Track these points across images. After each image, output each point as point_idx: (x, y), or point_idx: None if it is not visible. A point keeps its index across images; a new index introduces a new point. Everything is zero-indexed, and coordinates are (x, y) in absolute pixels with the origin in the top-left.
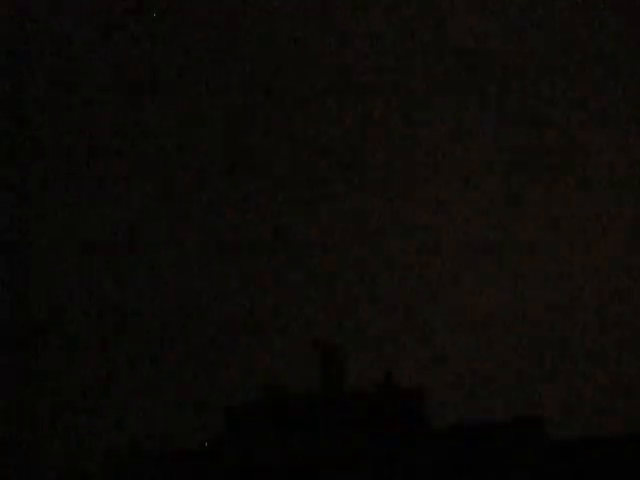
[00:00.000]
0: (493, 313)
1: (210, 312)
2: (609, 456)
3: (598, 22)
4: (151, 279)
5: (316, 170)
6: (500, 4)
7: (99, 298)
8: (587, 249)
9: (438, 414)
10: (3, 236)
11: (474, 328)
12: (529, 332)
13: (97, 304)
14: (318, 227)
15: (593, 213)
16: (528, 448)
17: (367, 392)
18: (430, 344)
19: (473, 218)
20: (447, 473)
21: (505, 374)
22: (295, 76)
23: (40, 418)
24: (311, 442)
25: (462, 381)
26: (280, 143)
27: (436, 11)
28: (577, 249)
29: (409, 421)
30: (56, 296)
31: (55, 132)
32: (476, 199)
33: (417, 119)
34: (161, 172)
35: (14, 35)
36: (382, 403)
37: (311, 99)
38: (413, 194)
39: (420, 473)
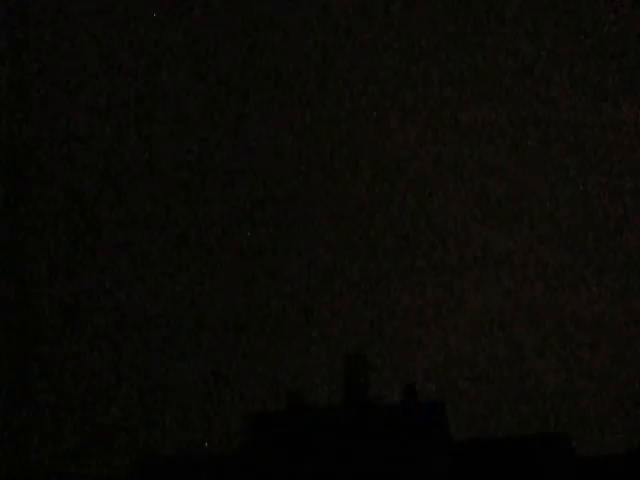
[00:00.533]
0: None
1: (233, 317)
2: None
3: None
4: (166, 281)
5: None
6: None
7: (112, 298)
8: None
9: (461, 426)
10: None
11: (495, 333)
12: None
13: (111, 303)
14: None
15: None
16: (555, 465)
17: (389, 404)
18: (452, 353)
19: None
20: None
21: (534, 387)
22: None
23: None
24: (331, 453)
25: (485, 391)
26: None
27: None
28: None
29: (431, 434)
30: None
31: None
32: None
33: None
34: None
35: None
36: (404, 415)
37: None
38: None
39: None
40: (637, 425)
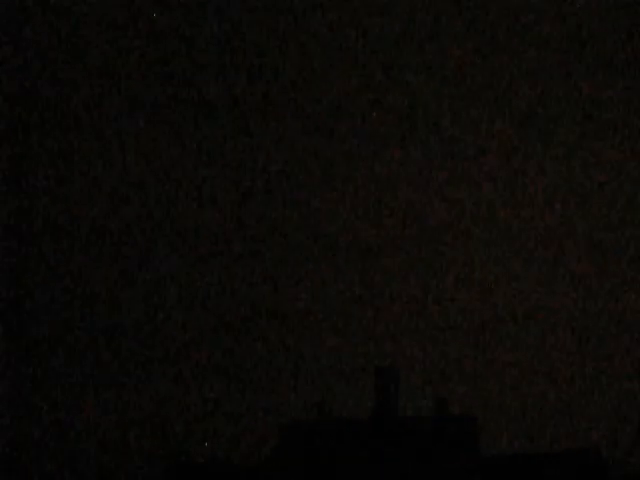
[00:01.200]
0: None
1: (259, 326)
2: None
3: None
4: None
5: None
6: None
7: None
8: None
9: (492, 441)
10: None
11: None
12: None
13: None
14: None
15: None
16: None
17: (420, 418)
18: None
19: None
20: None
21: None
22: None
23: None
24: (362, 466)
25: (515, 407)
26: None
27: None
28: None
29: (462, 449)
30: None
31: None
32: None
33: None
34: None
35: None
36: (435, 430)
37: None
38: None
39: None
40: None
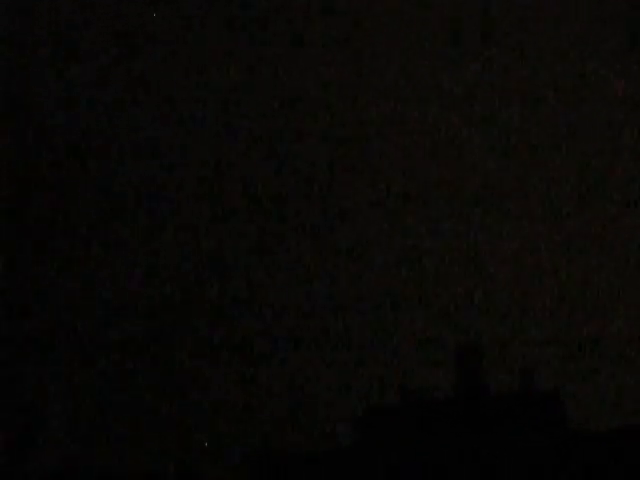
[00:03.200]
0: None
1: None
2: None
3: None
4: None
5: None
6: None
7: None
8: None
9: (582, 418)
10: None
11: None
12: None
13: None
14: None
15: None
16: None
17: (506, 394)
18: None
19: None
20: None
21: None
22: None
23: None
24: (450, 446)
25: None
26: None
27: None
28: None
29: (550, 425)
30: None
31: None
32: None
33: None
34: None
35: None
36: (521, 406)
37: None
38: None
39: None
40: None
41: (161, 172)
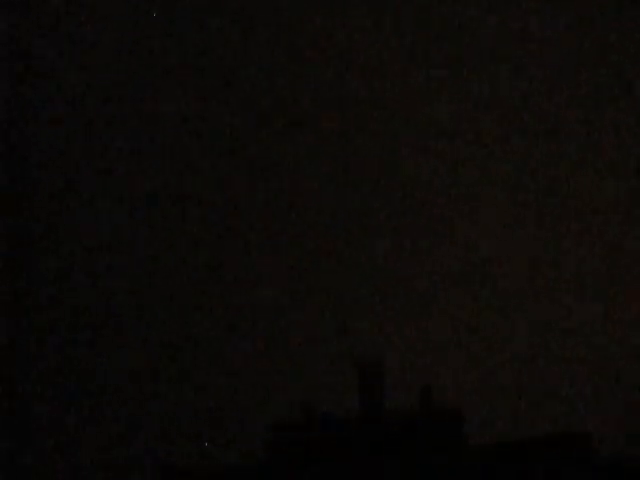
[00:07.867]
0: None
1: (239, 324)
2: None
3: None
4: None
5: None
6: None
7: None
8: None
9: (478, 431)
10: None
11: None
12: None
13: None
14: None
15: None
16: (576, 468)
17: (405, 410)
18: (473, 358)
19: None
20: None
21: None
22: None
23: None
24: (350, 463)
25: (502, 394)
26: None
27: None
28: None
29: (448, 440)
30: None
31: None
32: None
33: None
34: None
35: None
36: (420, 421)
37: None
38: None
39: None
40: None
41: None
